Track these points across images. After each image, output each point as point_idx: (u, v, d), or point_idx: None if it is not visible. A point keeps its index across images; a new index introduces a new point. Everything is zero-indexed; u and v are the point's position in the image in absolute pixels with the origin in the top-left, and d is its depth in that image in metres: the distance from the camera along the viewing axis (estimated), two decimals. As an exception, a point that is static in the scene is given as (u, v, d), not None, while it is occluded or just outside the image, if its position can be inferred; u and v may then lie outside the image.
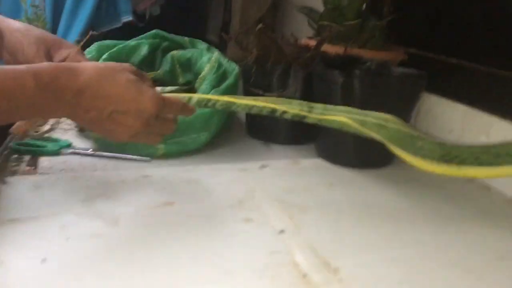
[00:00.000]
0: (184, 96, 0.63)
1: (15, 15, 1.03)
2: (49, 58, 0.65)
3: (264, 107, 0.61)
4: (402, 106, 0.78)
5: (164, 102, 0.56)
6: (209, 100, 0.63)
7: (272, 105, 0.61)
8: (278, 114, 0.61)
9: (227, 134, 0.93)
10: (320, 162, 0.82)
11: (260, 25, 0.83)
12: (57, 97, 0.49)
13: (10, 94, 0.46)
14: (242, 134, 0.95)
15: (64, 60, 0.65)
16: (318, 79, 0.80)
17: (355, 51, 0.96)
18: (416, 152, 0.55)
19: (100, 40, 1.45)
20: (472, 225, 0.63)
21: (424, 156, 0.54)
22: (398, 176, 0.78)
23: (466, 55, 0.97)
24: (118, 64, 0.54)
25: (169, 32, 0.97)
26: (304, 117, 0.61)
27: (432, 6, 1.17)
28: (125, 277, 0.47)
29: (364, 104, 0.76)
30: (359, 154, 0.80)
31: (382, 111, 0.76)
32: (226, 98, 0.63)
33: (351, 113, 0.61)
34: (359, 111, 0.61)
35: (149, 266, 0.48)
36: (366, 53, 0.95)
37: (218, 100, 0.63)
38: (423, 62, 1.06)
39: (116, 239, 0.53)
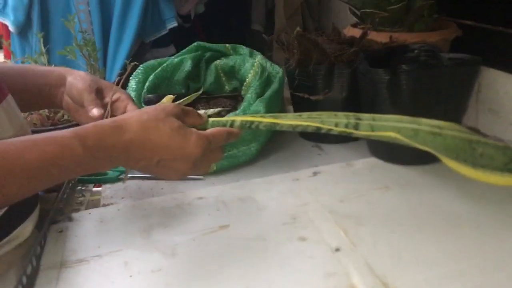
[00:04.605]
0: (227, 120, 0.63)
1: (66, 43, 1.08)
2: (101, 96, 0.70)
3: (309, 125, 0.59)
4: (456, 97, 0.73)
5: (208, 141, 0.57)
6: (252, 122, 0.62)
7: (316, 124, 0.59)
8: (323, 131, 0.59)
9: (279, 138, 0.93)
10: (373, 162, 0.80)
11: (298, 29, 0.81)
12: (106, 156, 0.51)
13: (60, 162, 0.48)
14: (294, 137, 0.94)
15: (115, 101, 0.70)
16: (363, 78, 0.77)
17: (403, 36, 0.91)
18: (475, 162, 0.51)
19: (149, 48, 1.50)
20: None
21: (485, 166, 0.51)
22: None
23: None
24: (160, 110, 0.55)
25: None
26: (351, 133, 0.59)
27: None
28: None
29: (414, 101, 0.72)
30: (413, 150, 0.76)
31: (434, 107, 0.72)
32: (269, 119, 0.62)
33: (402, 122, 0.57)
34: (411, 119, 0.56)
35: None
36: (415, 37, 0.90)
37: (261, 122, 0.62)
38: (480, 35, 0.99)
39: (174, 272, 0.55)
